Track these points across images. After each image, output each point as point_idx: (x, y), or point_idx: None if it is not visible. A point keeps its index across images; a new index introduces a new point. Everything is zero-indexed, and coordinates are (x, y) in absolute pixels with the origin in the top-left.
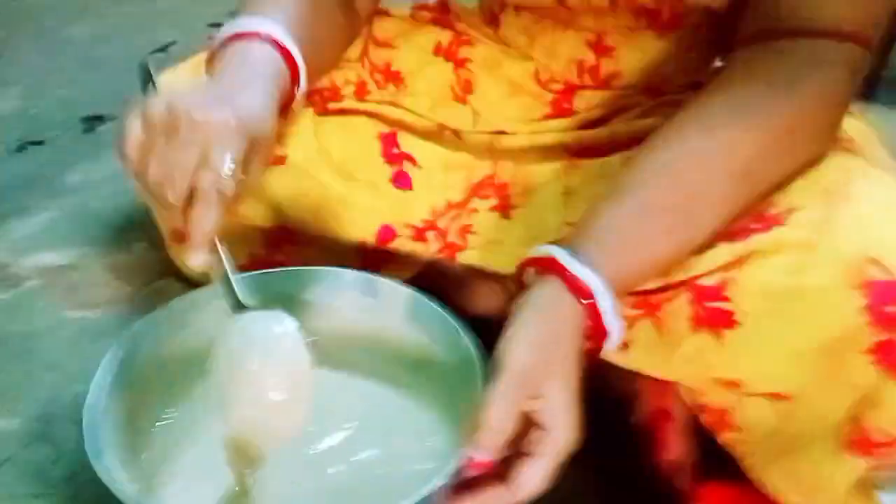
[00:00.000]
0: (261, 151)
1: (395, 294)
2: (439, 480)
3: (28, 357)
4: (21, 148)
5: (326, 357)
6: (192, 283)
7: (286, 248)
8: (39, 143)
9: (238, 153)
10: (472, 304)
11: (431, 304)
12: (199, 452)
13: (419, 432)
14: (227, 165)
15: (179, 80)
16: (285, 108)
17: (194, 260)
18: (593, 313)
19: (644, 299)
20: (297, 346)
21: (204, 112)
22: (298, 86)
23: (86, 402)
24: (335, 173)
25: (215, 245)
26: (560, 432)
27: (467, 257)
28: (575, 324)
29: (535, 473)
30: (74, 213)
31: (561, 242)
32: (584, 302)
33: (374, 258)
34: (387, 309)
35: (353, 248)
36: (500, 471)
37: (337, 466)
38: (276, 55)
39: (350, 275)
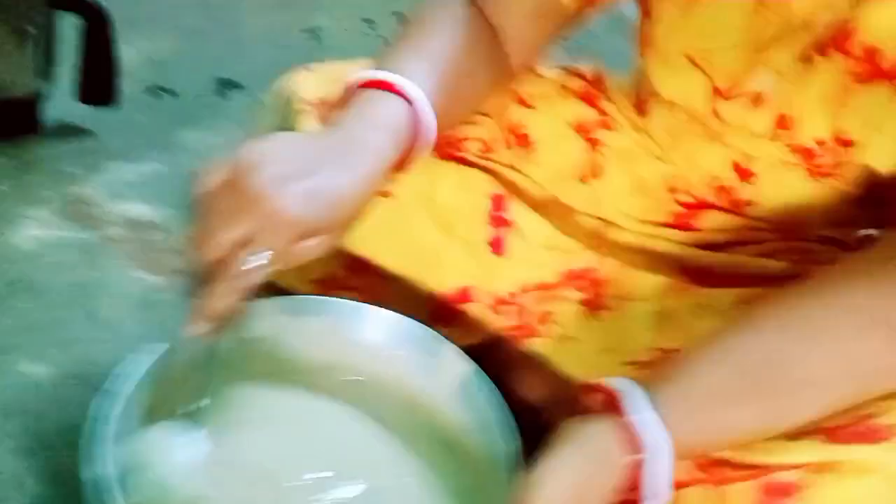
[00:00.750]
0: (325, 236)
1: (455, 362)
2: None
3: (83, 305)
4: (154, 93)
5: (361, 400)
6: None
7: (364, 275)
8: (173, 93)
9: (283, 246)
10: (520, 389)
11: (488, 387)
12: None
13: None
14: (258, 262)
15: (316, 83)
16: (403, 165)
17: (189, 329)
18: (639, 472)
19: (709, 466)
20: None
21: (269, 191)
22: (421, 143)
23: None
24: (435, 220)
25: (219, 323)
26: None
27: (537, 345)
28: (617, 476)
29: None
30: (179, 171)
31: (640, 379)
32: (633, 456)
33: (444, 313)
34: (441, 374)
35: (427, 297)
36: None
37: None
38: (404, 111)
39: (419, 329)
